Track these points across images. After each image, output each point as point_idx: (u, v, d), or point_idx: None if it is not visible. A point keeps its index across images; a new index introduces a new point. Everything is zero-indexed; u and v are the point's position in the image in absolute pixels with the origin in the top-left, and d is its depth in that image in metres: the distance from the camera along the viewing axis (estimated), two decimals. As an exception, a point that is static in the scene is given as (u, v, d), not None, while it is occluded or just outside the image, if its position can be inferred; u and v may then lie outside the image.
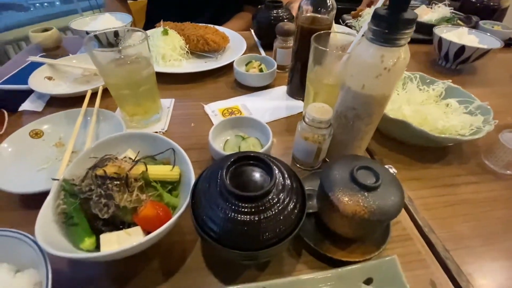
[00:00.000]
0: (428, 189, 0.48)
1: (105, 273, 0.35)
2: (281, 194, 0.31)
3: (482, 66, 0.89)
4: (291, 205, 0.31)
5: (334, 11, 0.55)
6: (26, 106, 0.61)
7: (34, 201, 0.35)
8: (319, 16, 0.54)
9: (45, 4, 2.34)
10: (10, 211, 0.41)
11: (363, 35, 0.37)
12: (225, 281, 0.35)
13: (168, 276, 0.35)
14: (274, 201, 0.30)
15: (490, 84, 0.81)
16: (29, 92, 0.64)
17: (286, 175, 0.33)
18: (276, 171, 0.31)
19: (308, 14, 0.55)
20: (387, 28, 0.33)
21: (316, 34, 0.49)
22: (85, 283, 0.34)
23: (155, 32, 0.78)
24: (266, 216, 0.29)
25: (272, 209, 0.29)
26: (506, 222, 0.43)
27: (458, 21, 1.05)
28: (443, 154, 0.54)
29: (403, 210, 0.44)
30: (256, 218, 0.28)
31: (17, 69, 0.71)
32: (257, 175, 0.32)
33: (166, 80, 0.72)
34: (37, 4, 2.32)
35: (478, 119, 0.52)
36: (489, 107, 0.53)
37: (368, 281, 0.34)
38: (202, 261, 0.37)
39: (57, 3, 2.34)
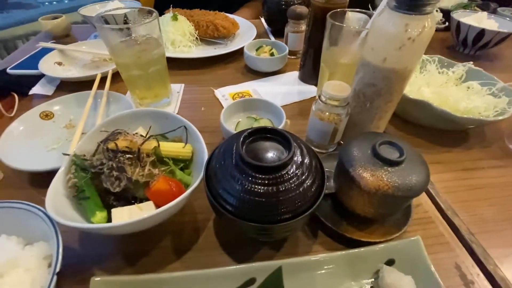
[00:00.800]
0: (449, 173, 0.45)
1: (116, 249, 0.34)
2: (299, 169, 0.29)
3: (501, 53, 0.85)
4: (308, 181, 0.29)
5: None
6: (36, 90, 0.61)
7: (44, 179, 0.34)
8: (335, -6, 0.52)
9: (54, 2, 2.36)
10: (20, 189, 0.41)
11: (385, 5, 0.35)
12: (238, 260, 0.34)
13: (180, 255, 0.34)
14: (292, 174, 0.28)
15: (510, 70, 0.78)
16: (40, 77, 0.64)
17: (305, 152, 0.31)
18: (294, 145, 0.30)
19: (322, -7, 0.53)
20: (414, -6, 0.31)
21: (332, 12, 0.47)
22: (96, 259, 0.33)
23: (165, 18, 0.76)
24: (283, 188, 0.27)
25: (290, 181, 0.28)
26: (534, 207, 0.41)
27: (475, 8, 1.01)
28: (464, 137, 0.52)
29: (423, 193, 0.42)
30: (274, 190, 0.27)
31: (28, 55, 0.71)
32: (274, 148, 0.30)
33: (176, 65, 0.71)
34: (46, 3, 2.34)
35: (502, 101, 0.49)
36: (514, 88, 0.51)
37: (390, 262, 0.32)
38: (215, 241, 0.36)
39: (66, 1, 2.36)
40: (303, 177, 0.29)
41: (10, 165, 0.39)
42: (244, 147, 0.29)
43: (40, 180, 0.41)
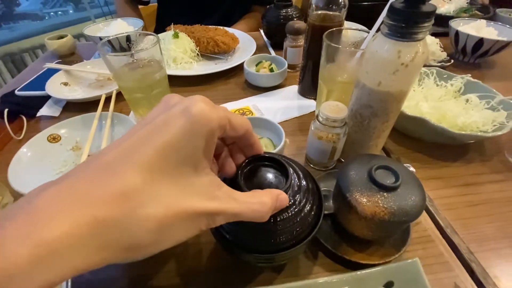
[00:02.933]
0: (448, 189, 0.46)
1: (123, 274, 0.35)
2: (297, 196, 0.30)
3: (502, 60, 0.85)
4: (307, 207, 0.30)
5: (346, 8, 0.53)
6: (43, 111, 0.63)
7: None
8: (331, 13, 0.53)
9: (59, 12, 2.42)
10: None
11: (377, 31, 0.36)
12: (241, 284, 0.34)
13: (185, 277, 0.35)
14: (290, 202, 0.29)
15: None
16: (46, 97, 0.66)
17: (302, 176, 0.32)
18: (291, 172, 0.31)
19: (319, 12, 0.54)
20: (404, 22, 0.32)
21: (328, 31, 0.48)
22: (104, 284, 0.34)
23: (166, 36, 0.78)
24: (282, 218, 0.28)
25: (288, 211, 0.29)
26: (535, 223, 0.41)
27: (476, 11, 1.01)
28: (463, 152, 0.52)
29: (423, 211, 0.42)
30: (272, 220, 0.28)
31: (34, 76, 0.73)
32: (271, 176, 0.31)
33: (178, 83, 0.72)
34: (52, 13, 2.40)
35: (501, 115, 0.49)
36: (512, 101, 0.51)
37: (389, 285, 0.32)
38: (218, 263, 0.36)
39: (71, 11, 2.42)
40: (302, 204, 0.30)
41: (19, 191, 0.41)
42: (242, 177, 0.30)
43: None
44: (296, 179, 0.31)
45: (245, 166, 0.31)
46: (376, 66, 0.36)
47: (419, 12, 0.31)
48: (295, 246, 0.29)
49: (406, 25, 0.32)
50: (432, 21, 0.32)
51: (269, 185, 0.30)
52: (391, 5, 0.32)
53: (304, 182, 0.31)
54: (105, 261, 0.18)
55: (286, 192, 0.29)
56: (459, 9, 1.03)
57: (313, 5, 0.54)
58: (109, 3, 2.33)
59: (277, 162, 0.32)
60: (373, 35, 0.43)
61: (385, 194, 0.31)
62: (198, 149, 0.21)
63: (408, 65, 0.33)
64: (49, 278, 0.15)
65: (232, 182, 0.30)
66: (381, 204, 0.30)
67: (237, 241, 0.28)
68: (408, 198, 0.31)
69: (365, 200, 0.31)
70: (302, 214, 0.29)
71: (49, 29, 2.18)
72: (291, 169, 0.31)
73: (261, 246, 0.28)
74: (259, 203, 0.24)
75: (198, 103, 0.21)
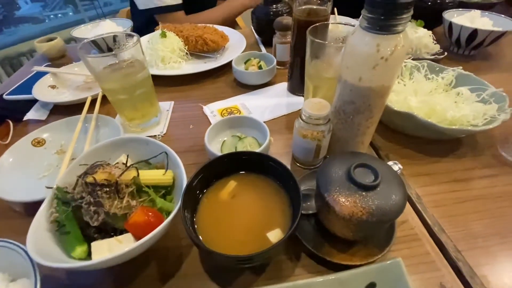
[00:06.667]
0: (438, 185, 0.45)
1: (101, 279, 0.35)
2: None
3: (498, 50, 0.83)
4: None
5: (331, 2, 0.52)
6: (30, 115, 0.63)
7: (35, 208, 0.35)
8: (315, 7, 0.52)
9: (59, 15, 2.41)
10: (12, 219, 0.42)
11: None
12: (222, 286, 0.34)
13: (165, 282, 0.34)
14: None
15: (509, 69, 0.75)
16: (34, 101, 0.66)
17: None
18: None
19: (303, 7, 0.53)
20: (383, 14, 0.30)
21: (311, 27, 0.47)
22: (82, 291, 0.34)
23: (154, 36, 0.77)
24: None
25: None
26: (526, 218, 0.40)
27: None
28: (455, 146, 0.51)
29: (410, 208, 0.41)
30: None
31: (22, 80, 0.73)
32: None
33: (166, 82, 0.71)
34: (52, 16, 2.39)
35: (492, 108, 0.48)
36: (504, 94, 0.49)
37: (371, 286, 0.32)
38: (199, 266, 0.36)
39: (70, 13, 2.41)
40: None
41: (2, 198, 0.41)
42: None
43: (31, 209, 0.42)
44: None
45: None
46: (356, 61, 0.35)
47: (397, 3, 0.30)
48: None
49: (384, 17, 0.30)
50: (411, 12, 0.31)
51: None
52: (368, -3, 0.31)
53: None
54: None
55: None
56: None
57: (298, 0, 0.52)
58: (108, 3, 2.32)
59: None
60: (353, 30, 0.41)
61: (363, 193, 0.30)
62: None
63: (388, 59, 0.32)
64: None
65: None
66: (359, 204, 0.29)
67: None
68: (388, 197, 0.30)
69: (343, 199, 0.30)
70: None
71: (47, 32, 2.17)
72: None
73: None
74: None
75: None
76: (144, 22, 1.07)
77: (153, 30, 0.82)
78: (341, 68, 0.38)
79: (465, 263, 0.35)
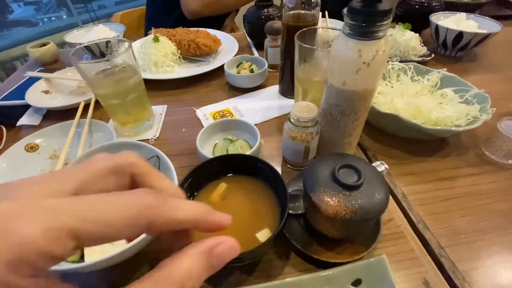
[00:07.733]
0: (423, 184, 0.46)
1: (92, 282, 0.35)
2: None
3: (484, 52, 0.85)
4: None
5: (319, 7, 0.53)
6: (23, 120, 0.63)
7: None
8: (303, 12, 0.53)
9: (53, 18, 2.40)
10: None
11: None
12: (213, 286, 0.35)
13: (157, 283, 0.35)
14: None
15: (494, 70, 0.77)
16: (27, 107, 0.66)
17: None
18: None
19: (291, 12, 0.54)
20: (363, 22, 0.32)
21: (300, 31, 0.48)
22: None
23: (146, 40, 0.78)
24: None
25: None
26: (507, 214, 0.41)
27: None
28: (440, 146, 0.52)
29: (396, 207, 0.43)
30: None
31: (15, 85, 0.73)
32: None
33: (159, 86, 0.72)
34: (45, 19, 2.38)
35: (474, 108, 0.49)
36: (486, 94, 0.51)
37: (357, 283, 0.33)
38: (191, 267, 0.37)
39: (64, 16, 2.40)
40: (265, 205, 0.30)
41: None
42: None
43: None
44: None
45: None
46: (340, 66, 0.36)
47: (376, 11, 0.31)
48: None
49: (365, 24, 0.32)
50: (390, 19, 0.32)
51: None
52: (349, 5, 0.33)
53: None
54: None
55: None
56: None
57: (286, 6, 0.54)
58: (102, 6, 2.32)
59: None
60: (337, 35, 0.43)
61: (347, 193, 0.31)
62: None
63: (369, 64, 0.34)
64: None
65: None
66: (343, 203, 0.30)
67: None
68: (371, 196, 0.31)
69: (328, 199, 0.31)
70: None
71: (41, 35, 2.16)
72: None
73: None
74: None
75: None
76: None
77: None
78: (327, 72, 0.39)
79: (447, 258, 0.36)
